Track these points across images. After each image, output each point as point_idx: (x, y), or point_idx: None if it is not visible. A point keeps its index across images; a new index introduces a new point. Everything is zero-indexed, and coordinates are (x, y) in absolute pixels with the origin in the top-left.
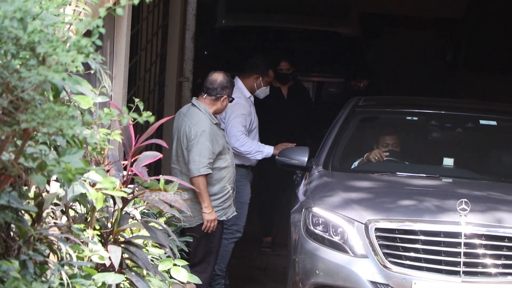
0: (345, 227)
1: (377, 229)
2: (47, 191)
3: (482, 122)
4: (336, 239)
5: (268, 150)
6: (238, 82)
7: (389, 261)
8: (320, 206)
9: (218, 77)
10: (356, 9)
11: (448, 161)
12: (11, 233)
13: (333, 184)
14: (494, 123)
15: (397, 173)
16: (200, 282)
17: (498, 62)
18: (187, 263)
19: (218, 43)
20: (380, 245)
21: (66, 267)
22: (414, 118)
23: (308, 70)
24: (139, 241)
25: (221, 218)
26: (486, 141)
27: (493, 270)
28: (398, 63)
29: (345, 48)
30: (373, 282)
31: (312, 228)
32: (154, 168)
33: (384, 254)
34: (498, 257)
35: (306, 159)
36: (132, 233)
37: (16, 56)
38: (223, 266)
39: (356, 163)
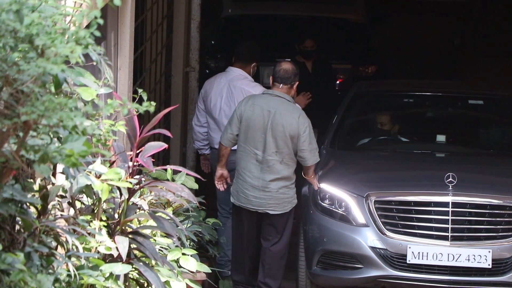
0: (348, 201)
1: (376, 202)
2: (53, 184)
3: (470, 102)
4: (340, 211)
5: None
6: (240, 71)
7: (387, 229)
8: (327, 182)
9: (289, 66)
10: None
11: (441, 138)
12: (17, 226)
13: (338, 162)
14: (481, 102)
15: (396, 150)
16: (209, 271)
17: (505, 46)
18: (195, 252)
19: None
20: (379, 215)
21: (73, 259)
22: (411, 100)
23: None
24: (147, 231)
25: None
26: (474, 118)
27: (477, 234)
28: (405, 49)
29: (352, 34)
30: (373, 248)
31: (320, 202)
32: (162, 159)
33: (383, 223)
34: (481, 222)
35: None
36: (139, 223)
37: (15, 49)
38: None
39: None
